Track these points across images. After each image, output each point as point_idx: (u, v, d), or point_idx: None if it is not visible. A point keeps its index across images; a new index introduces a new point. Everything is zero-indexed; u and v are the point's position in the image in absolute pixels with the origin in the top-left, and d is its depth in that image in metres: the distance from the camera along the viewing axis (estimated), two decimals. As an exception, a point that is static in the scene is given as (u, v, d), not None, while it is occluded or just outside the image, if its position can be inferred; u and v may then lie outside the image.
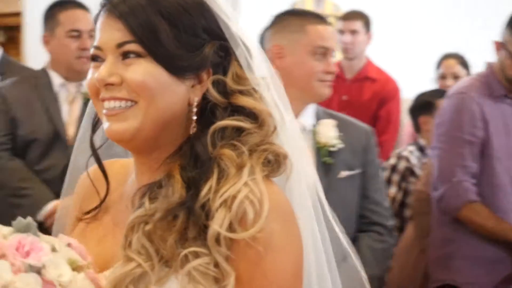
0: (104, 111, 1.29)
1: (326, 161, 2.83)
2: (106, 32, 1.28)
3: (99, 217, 1.39)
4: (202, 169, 1.25)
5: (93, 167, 1.41)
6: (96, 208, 1.39)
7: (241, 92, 1.29)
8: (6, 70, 4.15)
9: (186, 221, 1.23)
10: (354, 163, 2.88)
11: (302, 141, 1.39)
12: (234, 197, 1.21)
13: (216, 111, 1.29)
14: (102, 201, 1.39)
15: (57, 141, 3.42)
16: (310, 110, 2.89)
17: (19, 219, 1.22)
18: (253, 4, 6.25)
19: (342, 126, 2.89)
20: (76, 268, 1.21)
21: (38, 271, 1.18)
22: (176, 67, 1.27)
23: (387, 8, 6.32)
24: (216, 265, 1.21)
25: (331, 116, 2.92)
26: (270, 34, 2.89)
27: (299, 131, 1.40)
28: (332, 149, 2.85)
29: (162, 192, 1.25)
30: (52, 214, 3.14)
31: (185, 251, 1.20)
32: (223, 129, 1.27)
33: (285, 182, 1.31)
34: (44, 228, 2.91)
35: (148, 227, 1.23)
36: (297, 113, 2.70)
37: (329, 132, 2.86)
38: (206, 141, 1.26)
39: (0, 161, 3.37)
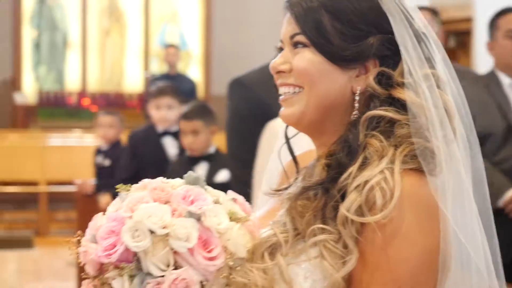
0: (280, 96, 1.42)
1: None
2: (285, 27, 1.43)
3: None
4: (348, 155, 1.33)
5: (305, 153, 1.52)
6: (282, 189, 1.46)
7: (403, 86, 1.34)
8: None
9: (323, 201, 1.31)
10: None
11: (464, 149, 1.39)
12: (366, 182, 1.29)
13: (372, 101, 1.36)
14: (290, 185, 1.46)
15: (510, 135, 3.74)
16: None
17: (190, 173, 1.37)
18: None
19: None
20: (234, 219, 1.32)
21: (198, 218, 1.30)
22: (337, 57, 1.37)
23: None
24: (345, 246, 1.28)
25: None
26: None
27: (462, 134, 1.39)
28: None
29: (308, 173, 1.37)
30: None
31: (314, 226, 1.29)
32: (377, 118, 1.33)
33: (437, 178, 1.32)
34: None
35: (289, 203, 1.35)
36: None
37: None
38: (358, 129, 1.33)
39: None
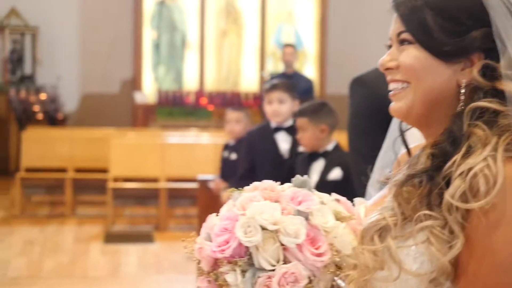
0: (390, 92, 1.50)
1: None
2: (392, 26, 1.50)
3: None
4: (453, 144, 1.38)
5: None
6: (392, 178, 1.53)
7: (507, 78, 1.37)
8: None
9: (428, 188, 1.37)
10: None
11: None
12: (470, 169, 1.34)
13: (477, 93, 1.40)
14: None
15: None
16: None
17: (297, 176, 1.46)
18: None
19: None
20: (339, 218, 1.41)
21: (306, 217, 1.39)
22: (441, 52, 1.44)
23: None
24: (451, 231, 1.33)
25: None
26: None
27: None
28: None
29: (413, 161, 1.43)
30: None
31: (420, 213, 1.35)
32: (480, 109, 1.38)
33: None
34: None
35: (396, 189, 1.41)
36: None
37: None
38: (462, 119, 1.39)
39: None
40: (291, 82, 5.55)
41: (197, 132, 10.83)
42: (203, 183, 6.04)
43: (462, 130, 1.39)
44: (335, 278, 1.41)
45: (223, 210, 1.45)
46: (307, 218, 1.39)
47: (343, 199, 1.47)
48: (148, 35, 12.88)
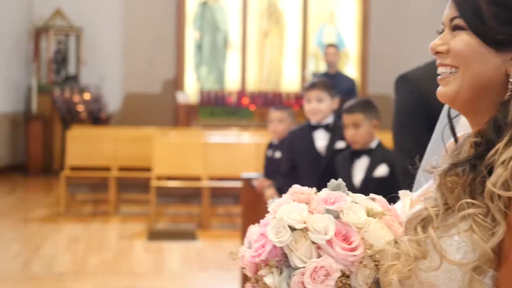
0: (438, 76, 1.52)
1: None
2: (446, 11, 1.51)
3: None
4: (497, 133, 1.41)
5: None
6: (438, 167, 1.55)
7: None
8: None
9: (471, 177, 1.40)
10: None
11: None
12: (511, 157, 1.36)
13: None
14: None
15: None
16: None
17: (332, 181, 1.52)
18: None
19: None
20: (372, 215, 1.46)
21: (336, 215, 1.45)
22: (492, 40, 1.45)
23: None
24: (493, 219, 1.35)
25: None
26: None
27: None
28: None
29: (456, 150, 1.47)
30: None
31: (463, 201, 1.38)
32: None
33: None
34: None
35: (439, 179, 1.44)
36: None
37: None
38: (508, 108, 1.41)
39: None
40: (329, 81, 5.58)
41: (238, 132, 10.91)
42: (247, 181, 6.10)
43: (506, 119, 1.41)
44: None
45: (264, 220, 1.51)
46: (337, 217, 1.44)
47: (379, 197, 1.52)
48: (191, 35, 13.01)
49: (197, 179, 9.19)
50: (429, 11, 10.99)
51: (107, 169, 9.81)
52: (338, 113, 5.06)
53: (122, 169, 9.84)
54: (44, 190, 11.38)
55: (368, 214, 1.46)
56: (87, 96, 12.71)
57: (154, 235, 8.42)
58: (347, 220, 1.44)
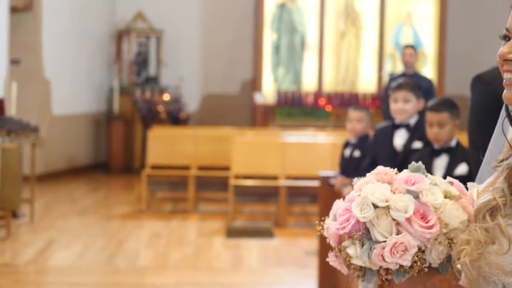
0: (504, 81, 1.60)
1: None
2: (511, 18, 1.59)
3: None
4: None
5: None
6: (504, 160, 1.64)
7: None
8: None
9: None
10: None
11: None
12: None
13: None
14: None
15: None
16: None
17: (413, 163, 1.64)
18: None
19: None
20: (449, 197, 1.58)
21: (415, 195, 1.57)
22: None
23: None
24: None
25: None
26: None
27: None
28: None
29: None
30: None
31: None
32: None
33: None
34: None
35: (507, 171, 1.56)
36: None
37: None
38: None
39: None
40: (417, 82, 5.66)
41: (314, 132, 11.01)
42: (324, 179, 6.20)
43: None
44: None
45: (349, 195, 1.65)
46: (417, 197, 1.57)
47: (456, 181, 1.64)
48: (268, 37, 13.16)
49: (274, 178, 9.33)
50: (506, 11, 10.90)
51: (186, 168, 10.03)
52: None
53: (201, 168, 10.04)
54: (125, 188, 11.70)
55: (445, 196, 1.58)
56: (166, 96, 12.99)
57: (232, 233, 8.59)
58: (426, 200, 1.56)
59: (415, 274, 1.55)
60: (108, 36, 13.48)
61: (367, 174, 1.65)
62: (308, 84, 13.19)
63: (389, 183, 1.60)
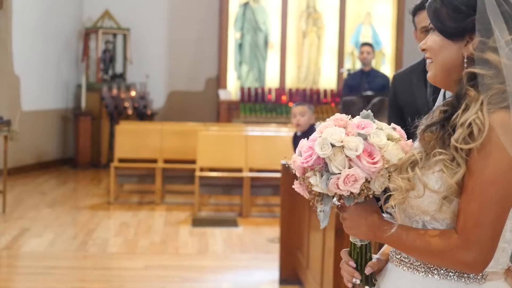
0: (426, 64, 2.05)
1: None
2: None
3: None
4: (457, 102, 1.95)
5: None
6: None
7: (494, 50, 1.91)
8: None
9: (441, 133, 1.95)
10: None
11: None
12: (466, 120, 1.89)
13: (471, 62, 1.94)
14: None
15: None
16: None
17: (363, 111, 2.04)
18: None
19: None
20: (391, 139, 1.98)
21: (365, 137, 1.96)
22: (448, 33, 1.99)
23: None
24: (458, 164, 1.90)
25: None
26: None
27: None
28: None
29: (430, 115, 2.01)
30: None
31: (436, 150, 1.93)
32: (473, 74, 1.93)
33: None
34: None
35: (420, 134, 1.98)
36: None
37: None
38: (462, 83, 1.95)
39: None
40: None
41: (276, 127, 11.27)
42: (286, 169, 6.54)
43: (461, 91, 1.95)
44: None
45: (314, 135, 2.05)
46: (366, 139, 1.96)
47: (398, 128, 2.05)
48: (232, 35, 13.37)
49: (239, 170, 9.59)
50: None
51: (153, 161, 10.25)
52: (368, 108, 5.53)
53: (167, 161, 10.24)
54: (93, 182, 11.88)
55: (388, 139, 1.98)
56: (133, 93, 13.20)
57: (198, 222, 8.84)
58: (372, 141, 1.96)
59: (363, 199, 1.96)
60: (76, 34, 13.66)
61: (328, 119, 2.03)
62: (271, 82, 13.43)
63: (344, 127, 1.99)
